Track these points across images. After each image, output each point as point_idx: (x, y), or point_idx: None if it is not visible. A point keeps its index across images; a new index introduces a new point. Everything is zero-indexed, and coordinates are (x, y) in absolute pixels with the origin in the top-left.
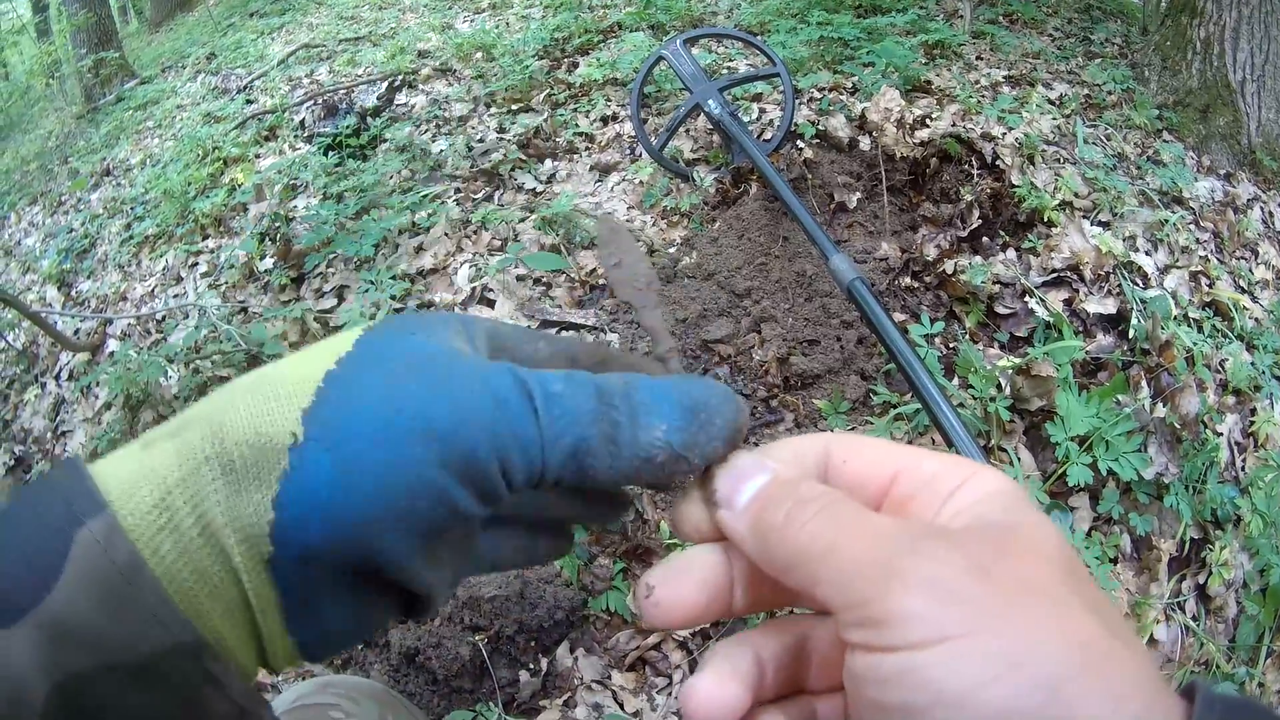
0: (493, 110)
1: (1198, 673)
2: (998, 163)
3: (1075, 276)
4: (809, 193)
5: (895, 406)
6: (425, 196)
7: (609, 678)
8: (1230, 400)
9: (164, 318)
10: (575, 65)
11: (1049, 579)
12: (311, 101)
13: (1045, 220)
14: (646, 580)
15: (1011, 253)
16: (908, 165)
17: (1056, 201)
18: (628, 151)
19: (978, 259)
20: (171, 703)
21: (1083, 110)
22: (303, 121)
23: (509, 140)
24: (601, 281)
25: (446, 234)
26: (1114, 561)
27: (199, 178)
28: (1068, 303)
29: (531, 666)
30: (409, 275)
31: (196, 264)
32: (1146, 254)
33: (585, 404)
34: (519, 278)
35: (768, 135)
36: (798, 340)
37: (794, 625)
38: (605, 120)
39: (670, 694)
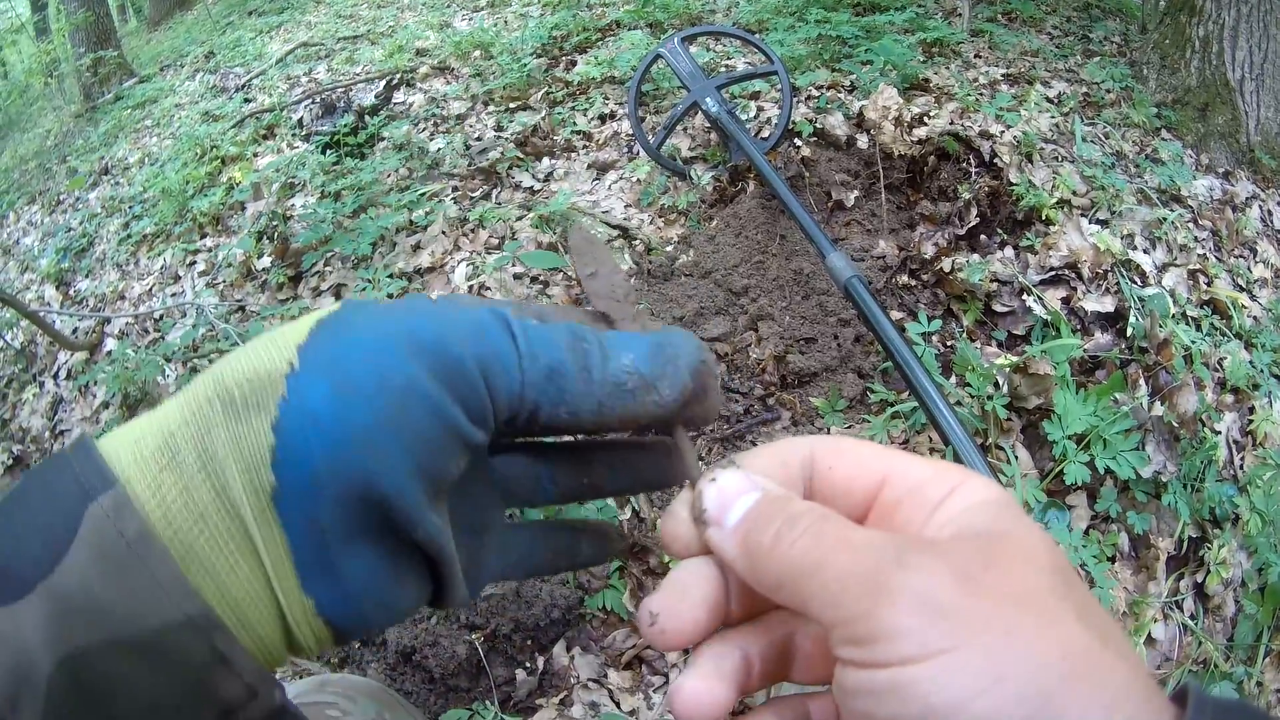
0: (491, 108)
1: (1196, 671)
2: (996, 161)
3: (1073, 274)
4: (806, 191)
5: (892, 405)
6: (423, 195)
7: (605, 676)
8: (1228, 398)
9: (162, 316)
10: (573, 63)
11: (1038, 588)
12: (309, 100)
13: (1043, 218)
14: (649, 608)
15: (1009, 251)
16: (905, 163)
17: (1055, 200)
18: (625, 150)
19: (975, 257)
20: (178, 681)
21: (1081, 108)
22: (301, 120)
23: (507, 138)
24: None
25: (444, 232)
26: (1112, 560)
27: (197, 176)
28: (1065, 301)
29: (528, 665)
30: (406, 273)
31: (194, 263)
32: (1145, 252)
33: (560, 336)
34: (516, 276)
35: (765, 133)
36: (795, 338)
37: (781, 622)
38: (603, 118)
39: (666, 692)
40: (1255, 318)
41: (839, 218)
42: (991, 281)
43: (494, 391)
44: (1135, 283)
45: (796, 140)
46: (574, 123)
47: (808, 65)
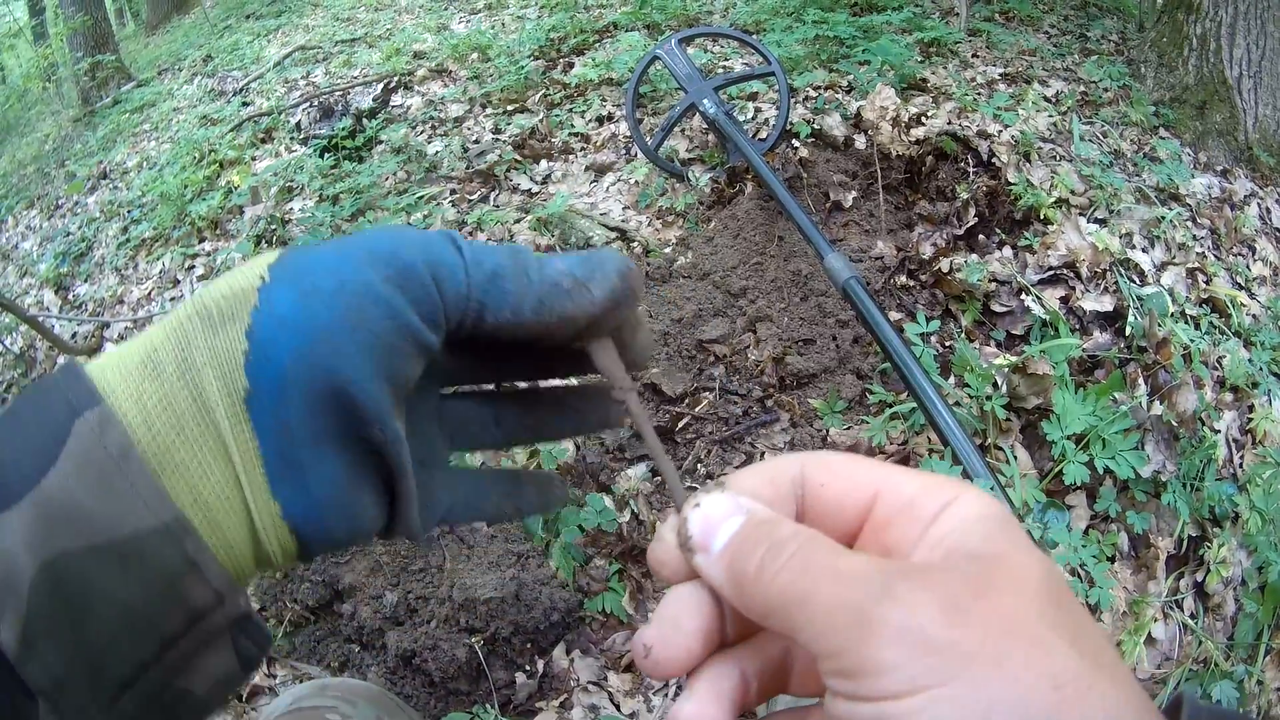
0: (488, 111)
1: (1196, 670)
2: (994, 160)
3: (1072, 274)
4: (804, 192)
5: (891, 405)
6: (421, 198)
7: (605, 679)
8: (1228, 397)
9: None
10: (571, 66)
11: (1028, 616)
12: (307, 103)
13: (1041, 218)
14: (643, 641)
15: (1008, 250)
16: (903, 163)
17: (1053, 199)
18: (623, 151)
19: (974, 257)
20: (151, 585)
21: (1079, 107)
22: (299, 123)
23: (504, 141)
24: None
25: None
26: (1111, 560)
27: (195, 180)
28: (1064, 300)
29: (528, 668)
30: None
31: (193, 267)
32: (1143, 251)
33: (501, 249)
34: None
35: (763, 134)
36: (793, 339)
37: (777, 636)
38: (601, 120)
39: (666, 695)
40: (1254, 316)
41: (837, 218)
42: (990, 281)
43: (444, 294)
44: (1134, 281)
45: (794, 141)
46: (572, 125)
47: (805, 66)
